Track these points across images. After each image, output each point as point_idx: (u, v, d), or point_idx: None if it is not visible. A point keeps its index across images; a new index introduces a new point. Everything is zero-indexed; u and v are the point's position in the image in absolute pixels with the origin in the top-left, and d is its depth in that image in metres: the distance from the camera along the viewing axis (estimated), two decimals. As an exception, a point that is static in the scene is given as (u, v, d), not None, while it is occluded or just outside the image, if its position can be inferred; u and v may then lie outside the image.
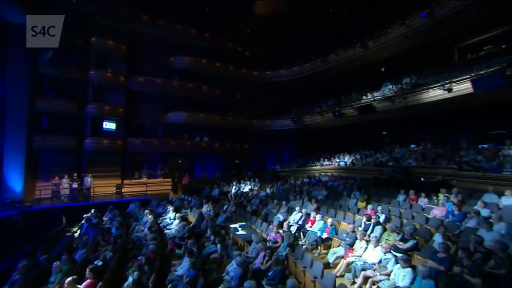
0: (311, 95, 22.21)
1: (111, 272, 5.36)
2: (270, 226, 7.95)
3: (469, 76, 10.91)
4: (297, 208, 9.26)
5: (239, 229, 8.37)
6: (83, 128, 16.25)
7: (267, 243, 6.69)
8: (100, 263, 5.55)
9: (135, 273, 4.68)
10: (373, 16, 18.03)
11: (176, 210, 11.14)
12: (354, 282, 5.26)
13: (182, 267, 5.66)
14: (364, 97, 16.94)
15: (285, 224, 7.83)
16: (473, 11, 11.54)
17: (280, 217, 8.95)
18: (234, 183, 16.13)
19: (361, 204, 9.36)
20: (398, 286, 4.55)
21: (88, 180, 14.35)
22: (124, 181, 16.46)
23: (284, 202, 10.43)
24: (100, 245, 7.41)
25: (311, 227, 7.84)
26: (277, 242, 6.86)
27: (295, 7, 20.76)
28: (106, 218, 10.43)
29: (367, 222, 7.21)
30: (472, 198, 8.41)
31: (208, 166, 20.83)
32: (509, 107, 12.31)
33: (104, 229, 8.71)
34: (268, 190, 13.88)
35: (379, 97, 15.45)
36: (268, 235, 7.60)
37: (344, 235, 6.79)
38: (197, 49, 20.64)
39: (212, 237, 7.23)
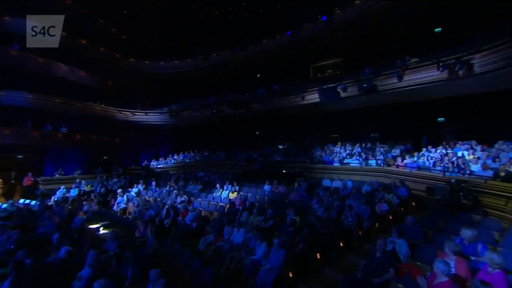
0: (192, 92, 22.05)
1: None
2: (140, 222, 7.33)
3: (316, 89, 13.75)
4: (168, 202, 8.97)
5: (101, 229, 7.28)
6: None
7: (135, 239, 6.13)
8: None
9: None
10: (253, 25, 19.77)
11: (7, 218, 8.53)
12: (222, 264, 5.54)
13: (0, 290, 4.32)
14: (240, 97, 18.30)
15: (156, 218, 7.43)
16: (321, 39, 14.73)
17: (152, 212, 8.41)
18: (99, 181, 13.90)
19: (232, 195, 10.06)
20: (258, 259, 5.14)
21: None
22: None
23: (158, 198, 9.88)
24: None
25: (183, 219, 7.75)
26: (143, 237, 6.39)
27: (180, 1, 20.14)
28: None
29: (233, 209, 7.84)
30: (317, 183, 10.66)
31: (65, 163, 17.01)
32: (340, 117, 16.44)
33: None
34: (140, 187, 12.75)
35: (254, 98, 17.07)
36: (136, 231, 6.98)
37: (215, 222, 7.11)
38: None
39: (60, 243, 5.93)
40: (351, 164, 12.06)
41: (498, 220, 5.89)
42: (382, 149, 12.49)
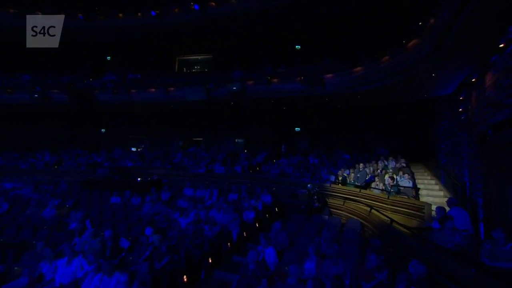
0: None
1: None
2: None
3: (183, 85, 13.41)
4: None
5: None
6: None
7: None
8: None
9: None
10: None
11: None
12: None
13: None
14: (81, 82, 15.28)
15: None
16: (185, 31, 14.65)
17: None
18: None
19: (61, 214, 8.03)
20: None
21: None
22: None
23: None
24: None
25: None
26: None
27: None
28: None
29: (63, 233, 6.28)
30: (178, 192, 10.22)
31: None
32: (205, 119, 16.77)
33: None
34: None
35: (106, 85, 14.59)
36: None
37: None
38: None
39: None
40: (216, 171, 12.45)
41: (339, 217, 7.52)
42: (246, 155, 13.63)
